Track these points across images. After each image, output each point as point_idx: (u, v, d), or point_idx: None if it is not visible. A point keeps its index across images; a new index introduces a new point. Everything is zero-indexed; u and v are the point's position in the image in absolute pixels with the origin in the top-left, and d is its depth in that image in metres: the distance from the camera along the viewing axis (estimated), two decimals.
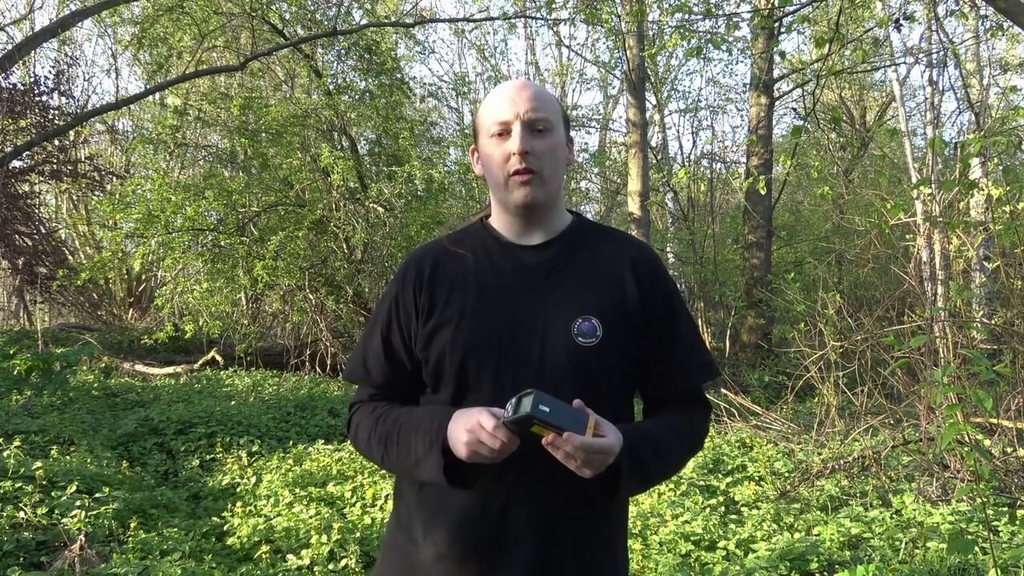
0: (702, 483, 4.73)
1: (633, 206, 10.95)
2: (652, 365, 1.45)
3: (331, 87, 10.52)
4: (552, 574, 1.37)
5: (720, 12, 6.92)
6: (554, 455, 1.24)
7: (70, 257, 14.21)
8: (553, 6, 8.94)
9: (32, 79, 11.80)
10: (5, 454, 4.39)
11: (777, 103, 12.88)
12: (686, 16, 6.72)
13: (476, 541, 1.36)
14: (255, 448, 5.73)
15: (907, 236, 7.15)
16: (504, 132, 1.40)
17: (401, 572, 1.44)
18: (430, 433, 1.33)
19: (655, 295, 1.45)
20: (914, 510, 3.98)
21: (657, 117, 14.89)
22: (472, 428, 1.24)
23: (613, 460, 1.26)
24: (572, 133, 1.53)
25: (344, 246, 10.17)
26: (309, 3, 10.79)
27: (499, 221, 1.50)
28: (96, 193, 13.16)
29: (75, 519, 3.58)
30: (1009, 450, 4.55)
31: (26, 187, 12.60)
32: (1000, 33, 6.02)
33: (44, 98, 11.47)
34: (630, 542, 3.55)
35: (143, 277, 15.03)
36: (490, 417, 1.24)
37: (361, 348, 1.52)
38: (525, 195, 1.40)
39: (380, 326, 1.48)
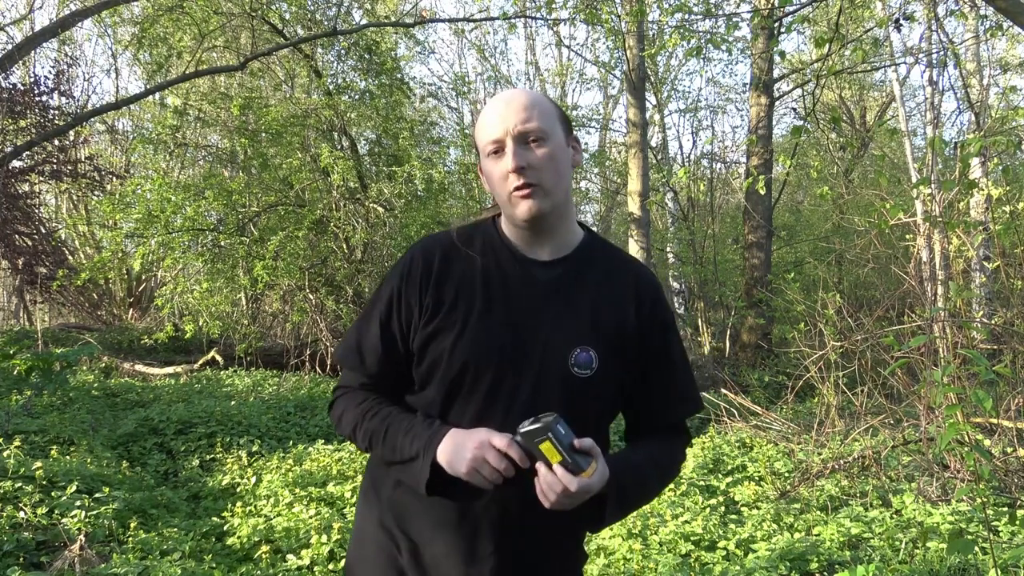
0: (702, 483, 4.73)
1: (633, 206, 10.94)
2: (640, 394, 1.47)
3: (331, 87, 10.52)
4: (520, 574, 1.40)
5: (720, 12, 6.92)
6: (537, 487, 1.26)
7: (70, 257, 14.21)
8: (553, 6, 8.93)
9: (32, 79, 11.80)
10: (5, 454, 4.39)
11: (777, 103, 12.87)
12: (686, 16, 6.72)
13: (455, 538, 1.38)
14: (255, 448, 5.73)
15: (907, 236, 7.15)
16: (498, 150, 1.39)
17: (382, 569, 1.45)
18: (420, 441, 1.34)
19: (653, 327, 1.46)
20: (914, 510, 3.98)
21: (657, 117, 14.89)
22: (480, 445, 1.25)
23: (601, 490, 1.28)
24: (575, 133, 1.52)
25: (344, 246, 10.17)
26: (309, 3, 10.80)
27: (510, 230, 1.48)
28: (96, 193, 13.16)
29: (75, 519, 3.58)
30: (1009, 450, 4.55)
31: (26, 187, 12.61)
32: (1000, 33, 6.01)
33: (44, 98, 11.47)
34: (630, 542, 3.56)
35: (143, 277, 15.03)
36: (500, 436, 1.25)
37: (355, 333, 1.49)
38: (529, 208, 1.37)
39: (379, 314, 1.45)
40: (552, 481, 1.23)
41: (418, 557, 1.40)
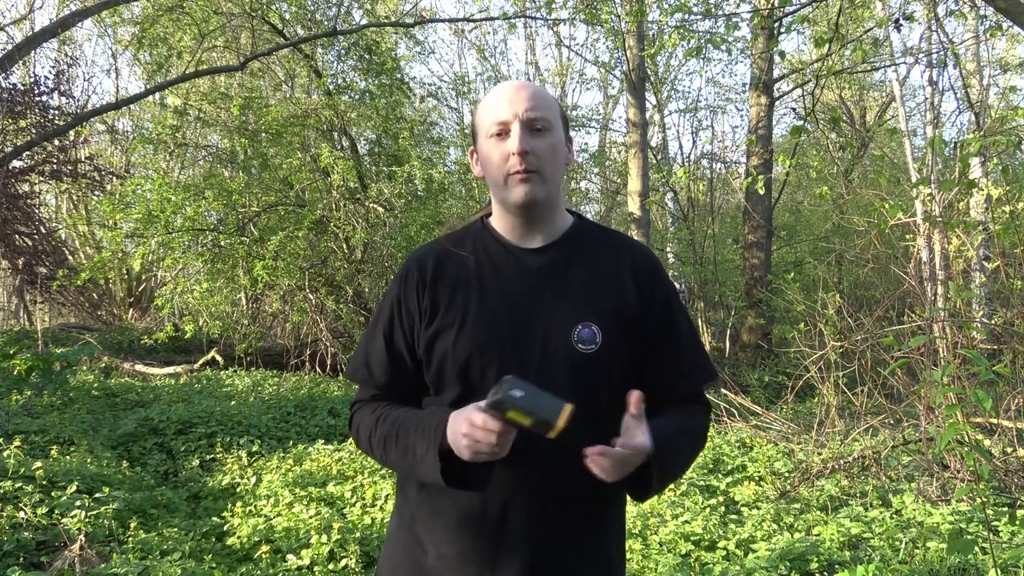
0: (702, 483, 4.73)
1: (633, 206, 10.95)
2: (651, 369, 1.46)
3: (331, 87, 10.52)
4: (550, 575, 1.38)
5: (720, 12, 6.93)
6: (591, 467, 1.24)
7: (70, 257, 14.22)
8: (553, 6, 8.95)
9: (32, 79, 11.81)
10: (5, 454, 4.39)
11: (777, 103, 12.87)
12: (686, 16, 6.72)
13: (475, 541, 1.36)
14: (255, 448, 5.73)
15: (907, 236, 7.15)
16: (503, 132, 1.39)
17: (404, 570, 1.44)
18: (428, 434, 1.33)
19: (655, 300, 1.45)
20: (914, 510, 3.98)
21: (657, 117, 14.88)
22: (467, 431, 1.24)
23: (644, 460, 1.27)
24: (572, 133, 1.52)
25: (344, 246, 10.17)
26: (309, 3, 10.80)
27: (500, 222, 1.49)
28: (96, 193, 13.17)
29: (75, 519, 3.58)
30: (1009, 450, 4.55)
31: (26, 187, 12.62)
32: (1000, 33, 6.01)
33: (44, 98, 11.48)
34: (630, 542, 3.56)
35: (143, 277, 15.03)
36: (479, 412, 1.24)
37: (363, 348, 1.51)
38: (525, 192, 1.39)
39: (382, 327, 1.47)
40: (596, 457, 1.22)
41: (443, 559, 1.39)
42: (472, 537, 1.36)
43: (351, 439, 1.55)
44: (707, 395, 1.58)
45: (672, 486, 4.50)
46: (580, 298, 1.41)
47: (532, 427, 1.20)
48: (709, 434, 1.66)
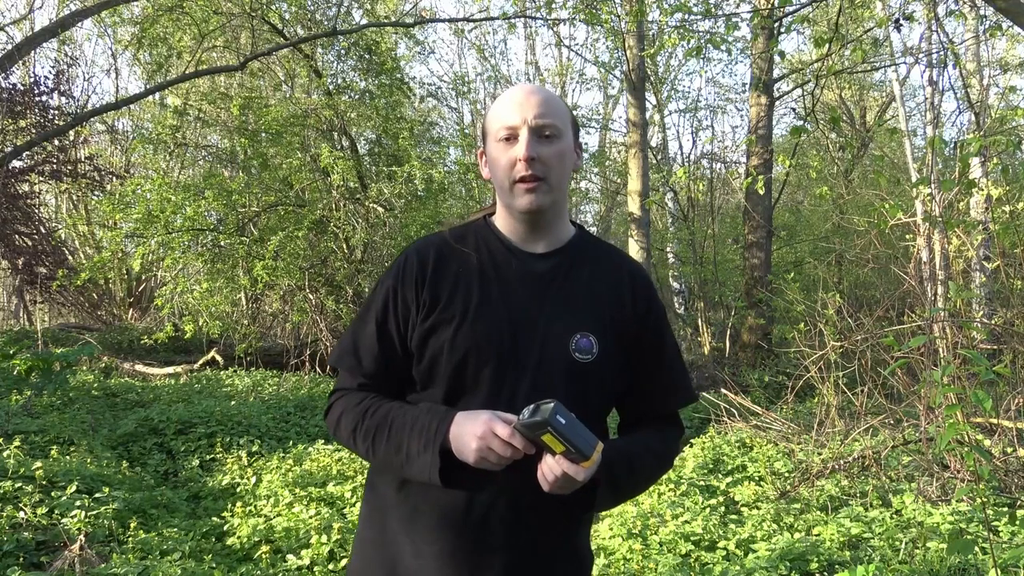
0: (702, 483, 4.73)
1: (633, 206, 10.94)
2: (635, 385, 1.47)
3: (331, 87, 10.52)
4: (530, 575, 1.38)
5: (720, 12, 6.92)
6: (539, 470, 1.26)
7: (70, 257, 14.22)
8: (553, 6, 8.95)
9: (32, 79, 11.82)
10: (5, 454, 4.39)
11: (777, 103, 12.86)
12: (686, 16, 6.72)
13: (457, 541, 1.36)
14: (255, 448, 5.73)
15: (907, 236, 7.15)
16: (511, 137, 1.39)
17: (379, 569, 1.42)
18: (427, 432, 1.31)
19: (648, 318, 1.47)
20: (914, 510, 3.98)
21: (657, 117, 14.89)
22: (483, 435, 1.24)
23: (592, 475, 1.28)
24: (580, 138, 1.53)
25: (344, 246, 10.17)
26: (309, 3, 10.80)
27: (504, 223, 1.48)
28: (96, 193, 13.17)
29: (75, 519, 3.58)
30: (1009, 450, 4.55)
31: (26, 187, 12.62)
32: (1000, 33, 6.01)
33: (44, 98, 11.49)
34: (630, 542, 3.56)
35: (143, 277, 15.02)
36: (503, 425, 1.24)
37: (351, 335, 1.48)
38: (530, 201, 1.39)
39: (375, 314, 1.44)
40: (552, 466, 1.23)
41: (421, 559, 1.37)
42: (454, 537, 1.35)
43: (328, 428, 1.52)
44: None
45: (672, 486, 4.50)
46: (580, 307, 1.42)
47: (561, 454, 1.21)
48: (679, 454, 1.69)
